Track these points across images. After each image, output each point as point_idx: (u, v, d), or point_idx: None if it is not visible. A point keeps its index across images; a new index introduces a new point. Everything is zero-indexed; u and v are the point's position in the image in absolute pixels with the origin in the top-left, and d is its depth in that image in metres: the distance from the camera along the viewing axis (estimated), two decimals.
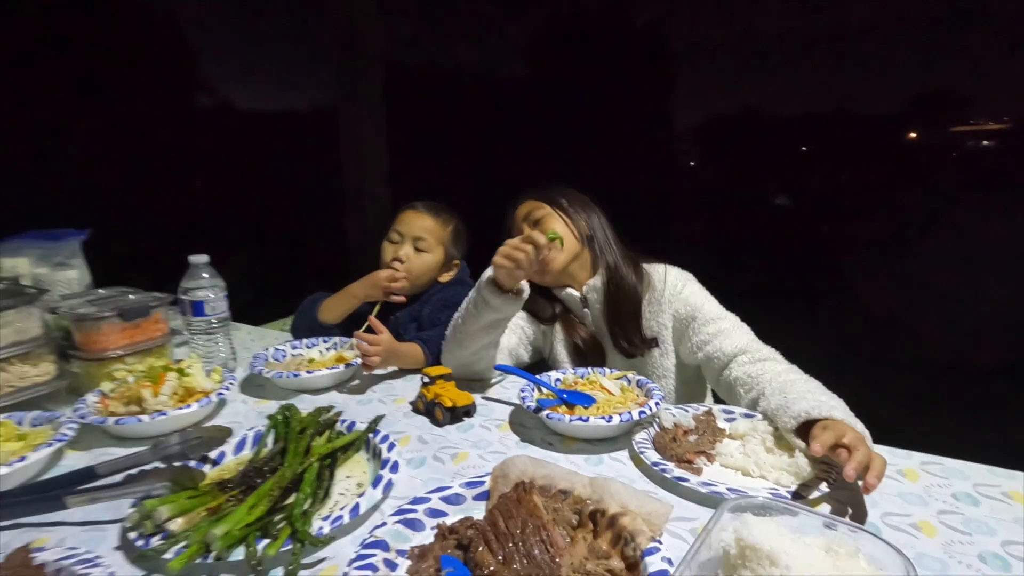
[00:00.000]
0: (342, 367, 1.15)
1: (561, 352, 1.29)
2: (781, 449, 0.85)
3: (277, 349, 1.29)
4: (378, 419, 0.93)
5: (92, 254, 1.44)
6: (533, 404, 0.95)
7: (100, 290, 1.27)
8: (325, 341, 1.35)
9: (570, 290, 1.26)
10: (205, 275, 1.21)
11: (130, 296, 1.19)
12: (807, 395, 0.87)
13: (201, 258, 1.21)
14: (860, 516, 0.72)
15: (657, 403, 0.94)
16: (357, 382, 1.21)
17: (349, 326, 1.44)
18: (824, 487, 0.75)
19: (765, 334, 1.11)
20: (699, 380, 1.25)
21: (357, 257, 3.08)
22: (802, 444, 0.82)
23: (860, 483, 0.71)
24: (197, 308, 1.19)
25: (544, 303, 1.30)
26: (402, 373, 1.27)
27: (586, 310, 1.26)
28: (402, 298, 1.37)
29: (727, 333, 1.09)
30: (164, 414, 0.94)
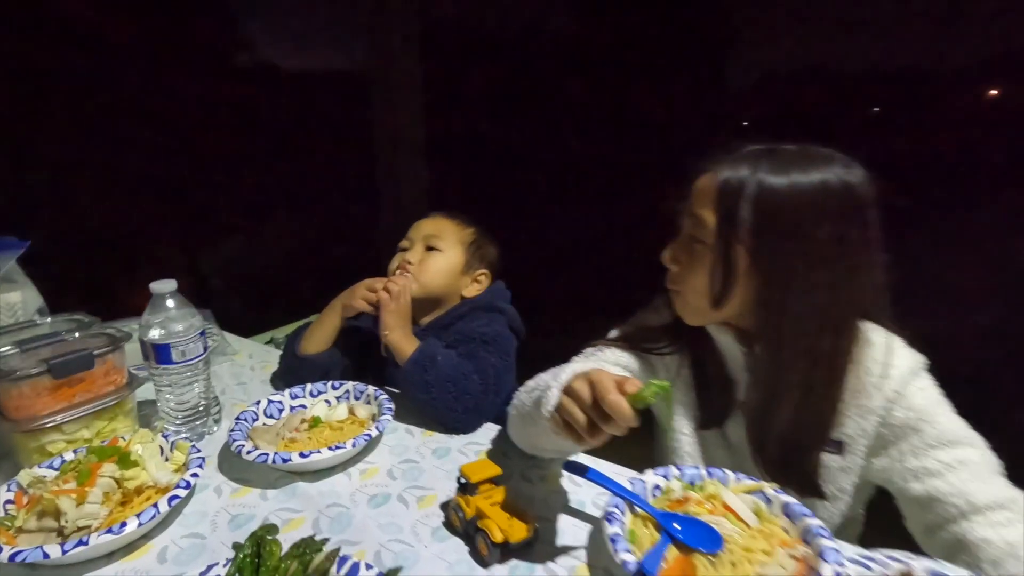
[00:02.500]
0: (349, 445, 0.83)
1: (679, 419, 0.88)
2: None
3: (272, 402, 0.99)
4: (395, 573, 0.61)
5: (65, 260, 1.16)
6: (631, 559, 0.61)
7: (47, 320, 0.98)
8: (335, 387, 1.03)
9: (726, 335, 0.82)
10: (172, 306, 0.90)
11: (74, 336, 0.90)
12: None
13: (166, 285, 0.90)
14: None
15: (838, 573, 0.58)
16: (372, 464, 0.89)
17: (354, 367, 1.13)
18: None
19: None
20: (861, 503, 0.87)
21: (390, 247, 2.77)
22: None
23: None
24: (161, 354, 0.89)
25: (672, 329, 0.88)
26: (432, 458, 0.94)
27: (748, 373, 0.83)
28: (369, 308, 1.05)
29: (974, 469, 0.69)
30: (84, 543, 0.64)
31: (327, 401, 1.02)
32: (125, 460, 0.75)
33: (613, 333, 0.97)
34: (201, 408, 0.95)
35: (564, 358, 0.84)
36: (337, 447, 0.83)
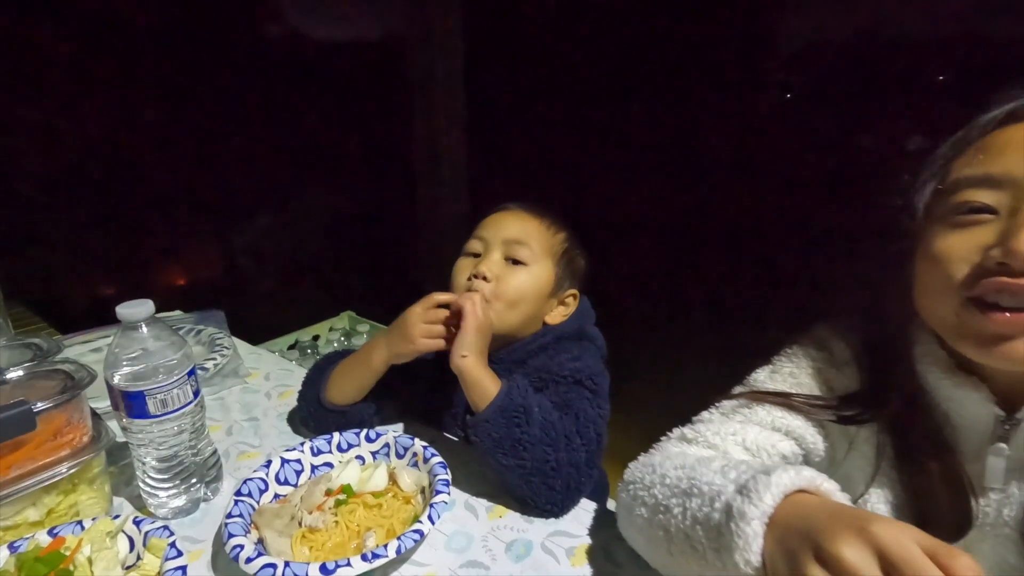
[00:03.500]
0: (392, 552, 0.57)
1: (878, 501, 0.60)
2: None
3: (286, 462, 0.73)
4: None
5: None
6: None
7: (1, 341, 0.75)
8: (370, 439, 0.78)
9: (975, 392, 0.54)
10: (147, 334, 0.65)
11: (19, 375, 0.66)
12: None
13: (139, 308, 0.64)
14: None
15: None
16: (423, 567, 0.63)
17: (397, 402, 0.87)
18: None
19: None
20: None
21: (426, 227, 2.50)
22: None
23: None
24: (134, 404, 0.64)
25: (878, 388, 0.61)
26: (507, 559, 0.67)
27: (1002, 446, 0.53)
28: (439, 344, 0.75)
29: None
30: None
31: (360, 458, 0.76)
32: None
33: (759, 376, 0.68)
34: (192, 468, 0.71)
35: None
36: (375, 555, 0.57)
